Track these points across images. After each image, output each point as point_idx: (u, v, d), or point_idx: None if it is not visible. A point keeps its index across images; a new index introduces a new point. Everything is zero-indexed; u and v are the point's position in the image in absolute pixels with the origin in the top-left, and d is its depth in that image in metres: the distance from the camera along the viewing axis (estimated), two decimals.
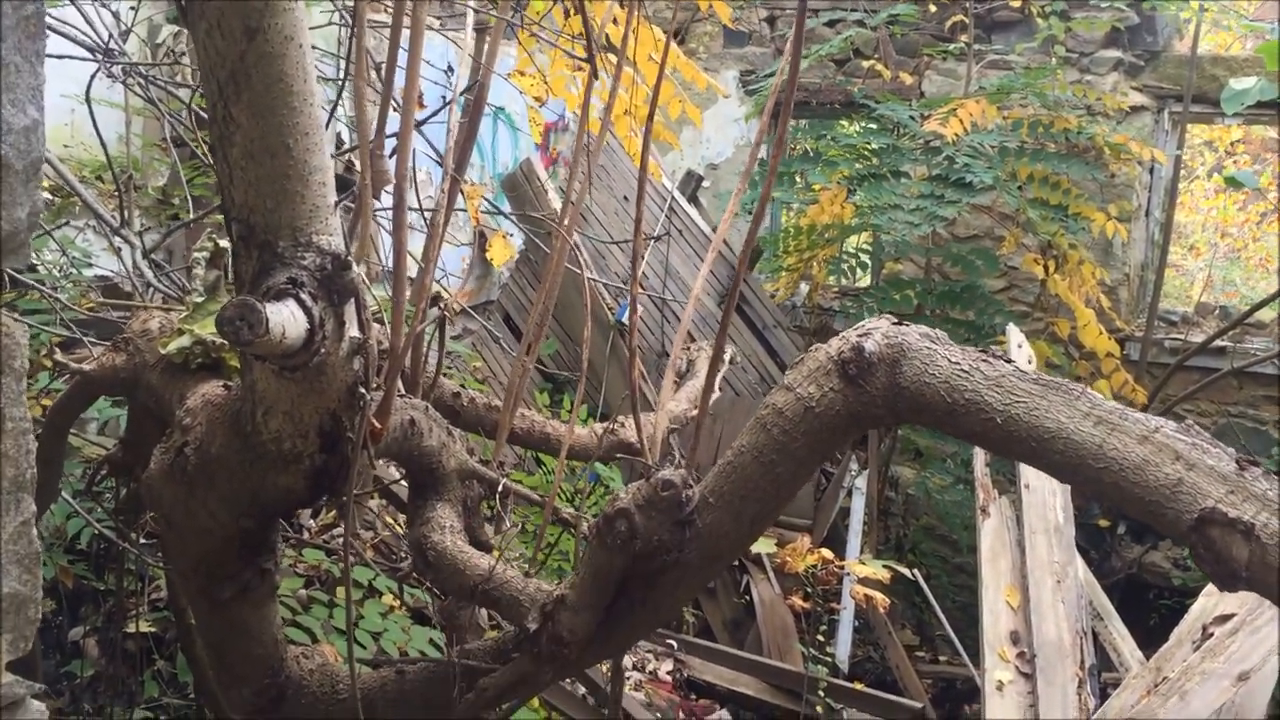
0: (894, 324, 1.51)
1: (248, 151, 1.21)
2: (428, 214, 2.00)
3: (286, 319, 1.15)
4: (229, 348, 1.67)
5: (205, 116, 2.73)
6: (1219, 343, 6.46)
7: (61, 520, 2.87)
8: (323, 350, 1.26)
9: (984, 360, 1.45)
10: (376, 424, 1.49)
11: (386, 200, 1.78)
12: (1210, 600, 3.32)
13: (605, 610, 1.55)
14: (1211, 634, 3.15)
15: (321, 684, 1.77)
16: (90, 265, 3.77)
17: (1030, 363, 4.26)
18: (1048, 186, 6.05)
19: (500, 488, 1.79)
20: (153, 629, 3.20)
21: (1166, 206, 6.89)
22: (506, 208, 6.01)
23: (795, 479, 1.53)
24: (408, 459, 1.72)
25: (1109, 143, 6.18)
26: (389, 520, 3.43)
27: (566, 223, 1.88)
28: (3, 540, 1.08)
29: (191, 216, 3.23)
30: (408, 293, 1.64)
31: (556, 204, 5.74)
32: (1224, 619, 3.17)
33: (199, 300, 1.71)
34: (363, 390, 1.40)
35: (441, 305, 1.70)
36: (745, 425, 1.58)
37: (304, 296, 1.21)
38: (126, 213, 2.73)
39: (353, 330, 1.34)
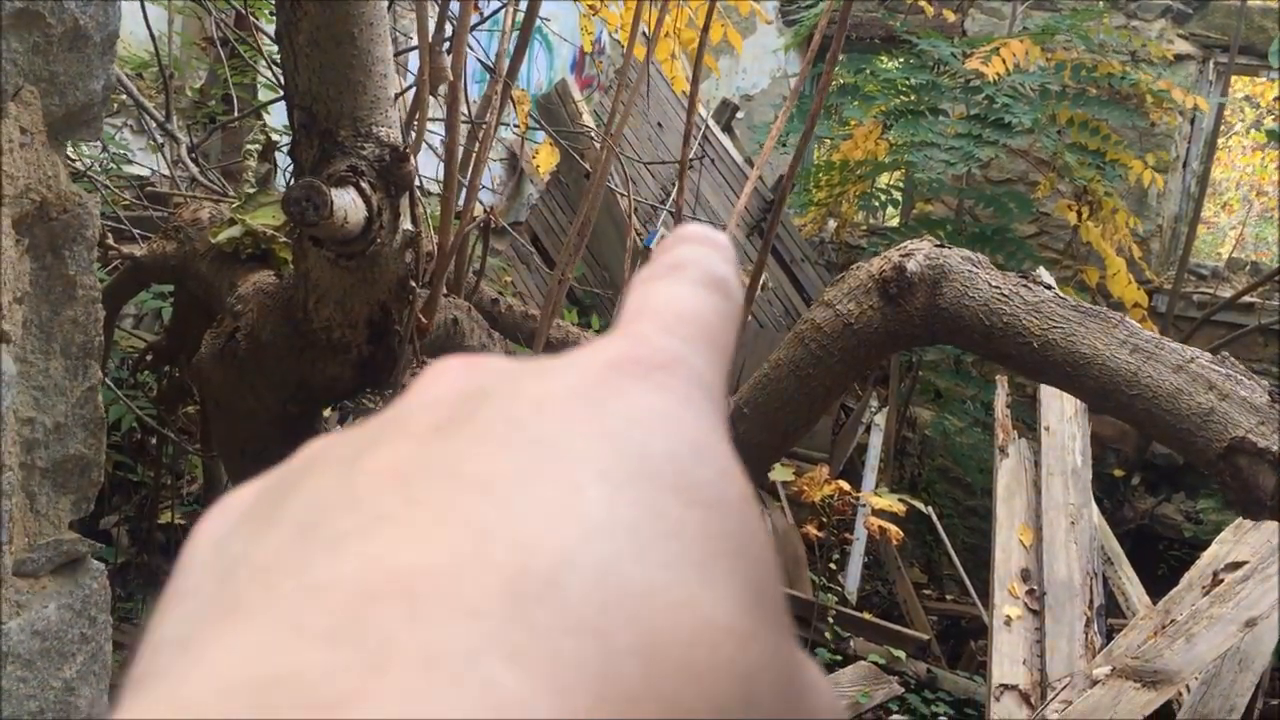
0: (936, 246, 1.53)
1: (313, 39, 1.23)
2: (478, 122, 2.01)
3: (348, 204, 1.18)
4: (279, 239, 1.69)
5: (250, 15, 2.72)
6: (1247, 299, 6.42)
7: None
8: (378, 239, 1.28)
9: (1024, 285, 1.46)
10: (423, 319, 1.52)
11: (437, 103, 1.79)
12: (1222, 547, 3.36)
13: None
14: (1222, 580, 3.19)
15: None
16: (129, 162, 3.79)
17: None
18: (1086, 131, 5.98)
19: None
20: (183, 521, 3.27)
21: (1204, 158, 6.81)
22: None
23: (830, 393, 1.56)
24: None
25: (1152, 89, 6.09)
26: None
27: (604, 148, 1.89)
28: (70, 404, 1.12)
29: (230, 117, 3.24)
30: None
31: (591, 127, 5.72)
32: (1235, 566, 3.21)
33: (251, 191, 1.74)
34: (412, 283, 1.43)
35: (488, 210, 1.72)
36: (783, 341, 1.61)
37: (364, 185, 1.24)
38: (169, 110, 2.75)
39: (406, 224, 1.37)
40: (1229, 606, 3.09)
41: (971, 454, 6.46)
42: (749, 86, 8.11)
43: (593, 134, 4.61)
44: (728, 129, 6.79)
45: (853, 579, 5.31)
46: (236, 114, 3.03)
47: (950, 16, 6.97)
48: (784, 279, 6.44)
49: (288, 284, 1.51)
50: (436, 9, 1.54)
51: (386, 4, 1.30)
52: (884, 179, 7.00)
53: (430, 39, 1.46)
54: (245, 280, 1.61)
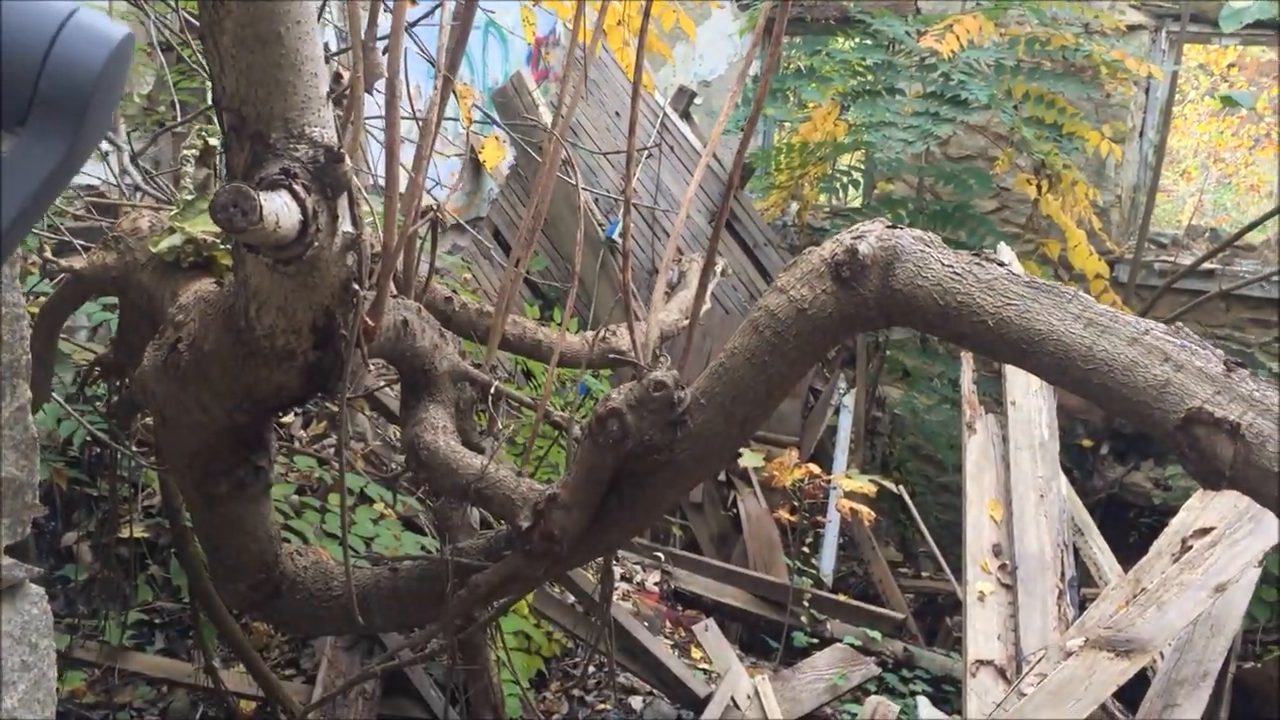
0: (888, 227, 1.51)
1: (239, 38, 1.19)
2: (419, 118, 1.98)
3: (280, 208, 1.15)
4: (220, 246, 1.66)
5: (194, 19, 2.67)
6: (1208, 265, 6.48)
7: (54, 424, 2.87)
8: (316, 243, 1.25)
9: (977, 263, 1.45)
10: (370, 322, 1.49)
11: (376, 101, 1.76)
12: (1190, 514, 3.37)
13: (596, 509, 1.56)
14: (1191, 547, 3.20)
15: (315, 580, 1.79)
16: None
17: None
18: (1043, 105, 6.00)
19: (492, 390, 1.80)
20: (145, 534, 3.22)
21: (1161, 127, 6.84)
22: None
23: (786, 380, 1.54)
24: (400, 359, 1.72)
25: (1106, 60, 6.12)
26: (379, 431, 3.44)
27: (558, 134, 1.86)
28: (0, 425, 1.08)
29: (176, 122, 3.18)
30: (400, 192, 1.62)
31: (547, 119, 5.68)
32: (1203, 532, 3.22)
33: (189, 198, 1.70)
34: (356, 287, 1.40)
35: (435, 207, 1.69)
36: (738, 329, 1.59)
37: (297, 188, 1.20)
38: (113, 117, 2.69)
39: (346, 225, 1.34)
40: (1199, 573, 3.10)
41: (941, 431, 6.49)
42: (706, 72, 8.09)
43: (544, 126, 4.57)
44: (686, 116, 6.75)
45: (828, 561, 5.31)
46: (181, 119, 2.98)
47: None
48: (747, 263, 6.42)
49: (228, 292, 1.47)
50: (369, 5, 1.51)
51: (315, 2, 1.27)
52: (844, 160, 7.01)
53: (365, 35, 1.42)
54: (186, 289, 1.58)
